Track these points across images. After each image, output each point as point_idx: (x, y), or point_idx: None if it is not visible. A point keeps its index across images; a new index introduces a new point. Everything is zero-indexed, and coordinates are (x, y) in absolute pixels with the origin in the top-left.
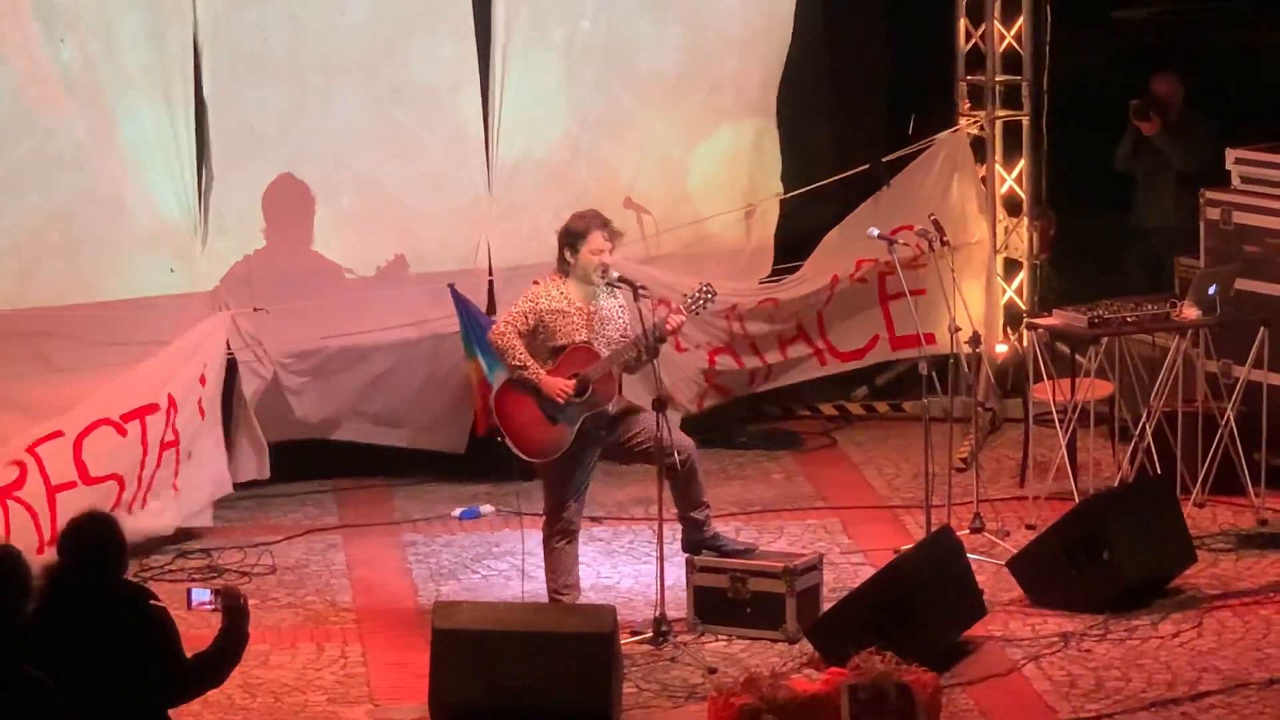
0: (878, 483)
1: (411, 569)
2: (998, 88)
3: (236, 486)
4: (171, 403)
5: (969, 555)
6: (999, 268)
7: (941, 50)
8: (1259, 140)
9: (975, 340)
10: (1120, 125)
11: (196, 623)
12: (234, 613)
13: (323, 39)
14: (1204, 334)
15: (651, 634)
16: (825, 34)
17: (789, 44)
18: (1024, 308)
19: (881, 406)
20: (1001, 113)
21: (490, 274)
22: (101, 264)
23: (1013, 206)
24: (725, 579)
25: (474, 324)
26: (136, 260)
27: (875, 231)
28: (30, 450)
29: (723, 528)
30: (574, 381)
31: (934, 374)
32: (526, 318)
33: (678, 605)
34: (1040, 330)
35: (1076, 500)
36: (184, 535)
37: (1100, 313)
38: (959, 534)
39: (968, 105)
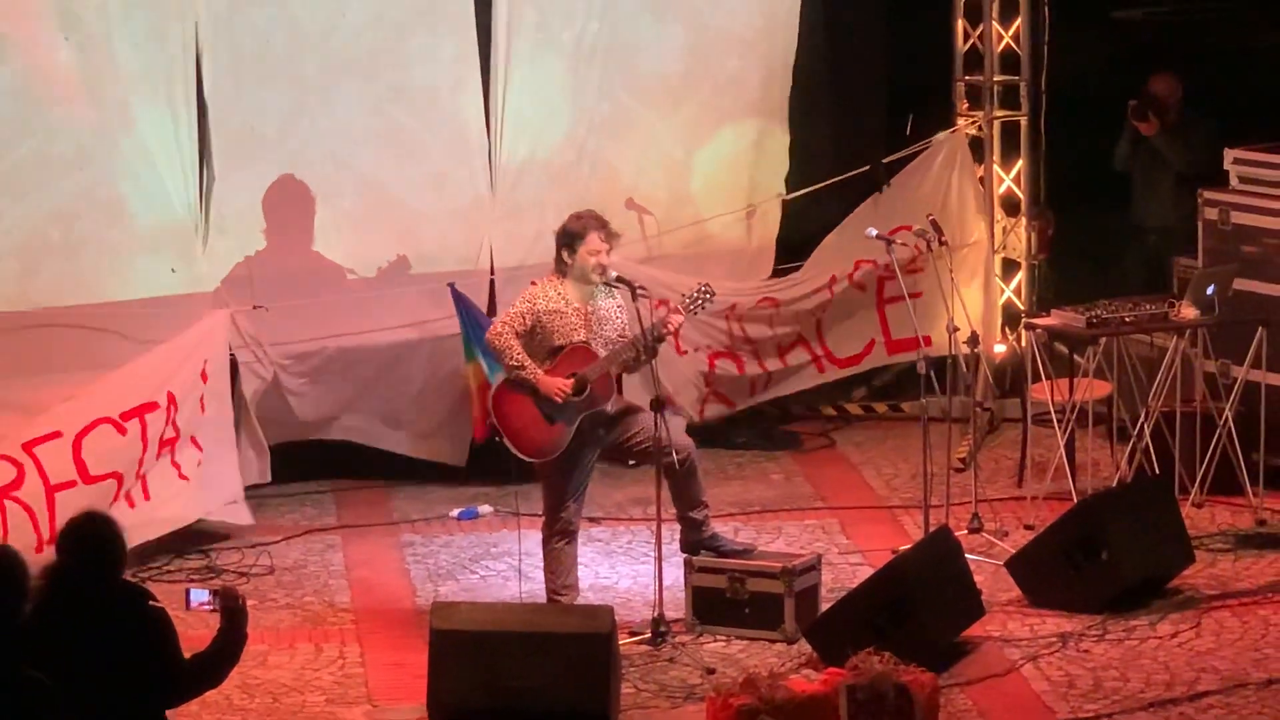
0: (876, 483)
1: (410, 569)
2: (996, 88)
3: None
4: (171, 400)
5: (967, 555)
6: (997, 268)
7: (941, 50)
8: (1257, 140)
9: (973, 340)
10: (1118, 125)
11: (195, 623)
12: (232, 613)
13: (324, 40)
14: (1202, 334)
15: (650, 634)
16: (825, 34)
17: (795, 45)
18: (1022, 308)
19: (880, 407)
20: (999, 113)
21: (491, 273)
22: (102, 264)
23: (1011, 207)
24: (724, 579)
25: (474, 324)
26: (137, 261)
27: (874, 232)
28: (28, 450)
29: (721, 528)
30: (572, 381)
31: (932, 374)
32: (524, 318)
33: (676, 606)
34: (1038, 330)
35: (1075, 500)
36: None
37: (1098, 313)
38: (957, 534)
39: (966, 105)
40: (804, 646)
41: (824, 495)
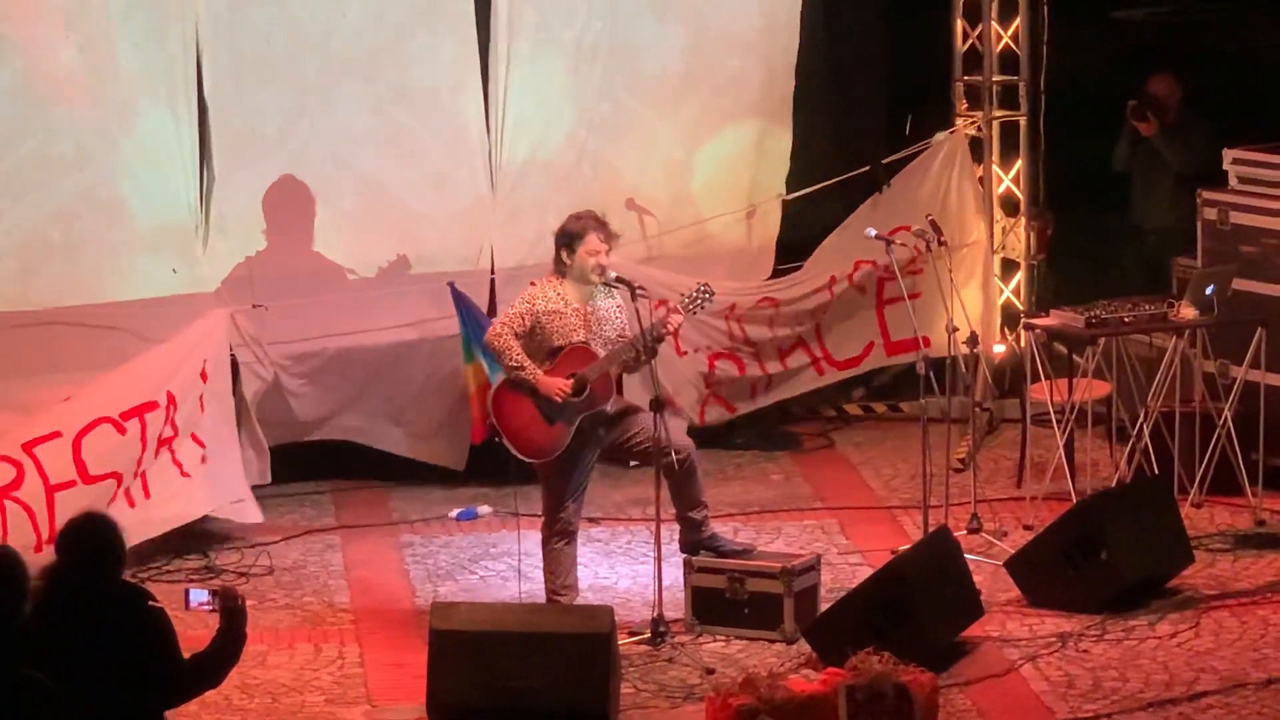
0: (875, 483)
1: (409, 570)
2: (995, 88)
3: None
4: (171, 400)
5: (966, 555)
6: (996, 268)
7: (941, 50)
8: (1257, 140)
9: (973, 341)
10: (1118, 125)
11: (194, 623)
12: (232, 613)
13: (324, 40)
14: (1201, 334)
15: (649, 634)
16: (825, 34)
17: (796, 45)
18: (1021, 308)
19: (879, 407)
20: (998, 113)
21: (492, 274)
22: (103, 265)
23: (1010, 207)
24: (723, 579)
25: (474, 324)
26: (138, 261)
27: (873, 232)
28: (28, 450)
29: (721, 528)
30: (571, 381)
31: (931, 374)
32: (523, 319)
33: (675, 606)
34: (1038, 330)
35: (1074, 500)
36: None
37: (1098, 313)
38: (956, 534)
39: (965, 106)
40: (803, 647)
41: (823, 496)
